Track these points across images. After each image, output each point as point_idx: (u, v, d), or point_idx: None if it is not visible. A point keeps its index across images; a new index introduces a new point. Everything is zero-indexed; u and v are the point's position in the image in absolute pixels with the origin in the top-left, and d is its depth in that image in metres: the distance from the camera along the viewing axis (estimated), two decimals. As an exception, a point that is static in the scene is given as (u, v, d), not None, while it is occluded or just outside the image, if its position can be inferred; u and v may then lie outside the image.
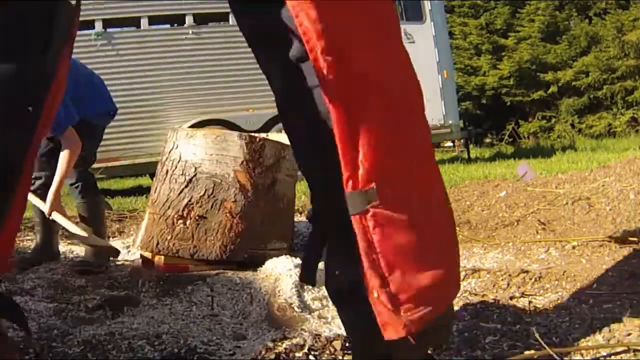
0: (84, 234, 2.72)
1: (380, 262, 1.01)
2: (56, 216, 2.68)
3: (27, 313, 1.87)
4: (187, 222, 2.50)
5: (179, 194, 2.54)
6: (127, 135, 7.15)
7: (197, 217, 2.50)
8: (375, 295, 1.01)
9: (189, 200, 2.52)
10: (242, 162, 2.54)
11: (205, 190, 2.52)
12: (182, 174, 2.56)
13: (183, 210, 2.51)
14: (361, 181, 1.00)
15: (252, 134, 2.78)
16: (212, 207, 2.51)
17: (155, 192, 2.64)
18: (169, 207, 2.54)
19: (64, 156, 2.64)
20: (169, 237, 2.50)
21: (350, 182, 1.00)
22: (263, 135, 3.04)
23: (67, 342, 1.60)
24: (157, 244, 2.51)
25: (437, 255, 1.10)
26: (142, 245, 2.58)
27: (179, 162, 2.59)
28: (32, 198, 2.77)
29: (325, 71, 0.98)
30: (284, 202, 2.69)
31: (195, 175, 2.54)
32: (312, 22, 0.96)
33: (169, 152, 2.64)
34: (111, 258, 2.79)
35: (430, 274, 1.06)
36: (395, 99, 1.07)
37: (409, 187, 1.06)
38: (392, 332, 1.02)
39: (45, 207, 2.69)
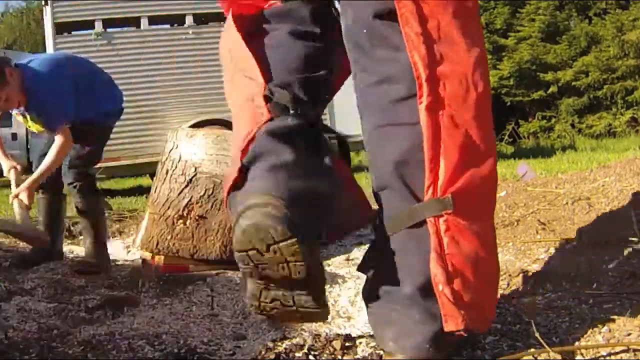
0: (12, 226, 2.63)
1: (447, 262, 1.16)
2: (15, 203, 2.57)
3: (27, 313, 1.88)
4: (187, 222, 2.50)
5: (179, 194, 2.54)
6: (127, 135, 7.14)
7: (197, 217, 2.50)
8: (440, 288, 1.15)
9: (189, 200, 2.52)
10: None
11: (206, 190, 2.52)
12: (182, 174, 2.56)
13: (183, 210, 2.51)
14: (440, 190, 1.17)
15: None
16: (212, 207, 2.51)
17: (155, 192, 2.64)
18: (169, 207, 2.54)
19: (52, 152, 2.60)
20: (169, 237, 2.50)
21: (430, 190, 1.18)
22: None
23: (67, 342, 1.60)
24: (157, 244, 2.51)
25: (493, 274, 1.28)
26: (142, 245, 2.58)
27: (179, 162, 2.59)
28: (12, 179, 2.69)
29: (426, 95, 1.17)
30: None
31: (195, 175, 2.54)
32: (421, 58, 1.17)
33: (169, 152, 2.64)
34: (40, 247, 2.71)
35: (486, 289, 1.22)
36: (479, 114, 1.24)
37: (481, 203, 1.25)
38: (452, 324, 1.16)
39: (14, 189, 2.61)
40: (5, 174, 2.79)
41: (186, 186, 2.54)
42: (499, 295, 1.84)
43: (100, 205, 2.97)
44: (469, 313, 1.17)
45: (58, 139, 2.62)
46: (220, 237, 2.49)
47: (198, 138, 2.59)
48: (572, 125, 13.38)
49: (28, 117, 2.74)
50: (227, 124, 7.32)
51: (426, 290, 1.19)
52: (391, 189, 1.25)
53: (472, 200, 1.20)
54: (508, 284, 1.92)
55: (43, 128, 2.75)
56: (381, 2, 1.21)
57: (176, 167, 2.59)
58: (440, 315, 1.17)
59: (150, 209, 2.61)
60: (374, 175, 1.33)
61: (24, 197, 2.55)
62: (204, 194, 2.52)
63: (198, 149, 2.58)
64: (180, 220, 2.51)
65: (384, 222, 1.27)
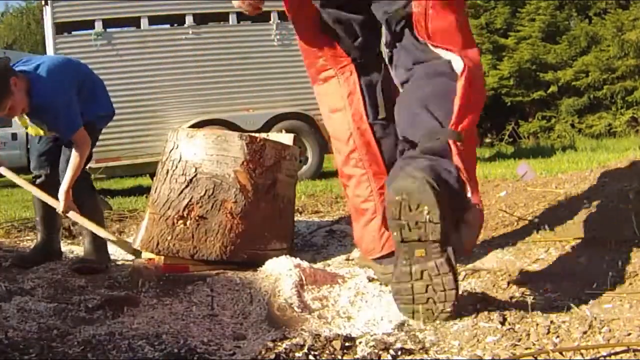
0: (104, 233, 2.79)
1: (462, 168, 1.68)
2: (72, 215, 2.74)
3: (27, 313, 1.88)
4: (188, 223, 2.50)
5: (180, 194, 2.54)
6: (127, 135, 7.15)
7: (197, 218, 2.50)
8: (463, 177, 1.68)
9: (190, 201, 2.52)
10: (243, 163, 2.54)
11: (206, 191, 2.52)
12: (182, 174, 2.56)
13: (183, 210, 2.51)
14: (460, 126, 1.74)
15: (253, 134, 2.78)
16: (212, 207, 2.51)
17: (155, 192, 2.64)
18: (169, 208, 2.54)
19: (75, 156, 2.68)
20: (169, 238, 2.50)
21: (453, 124, 1.74)
22: (263, 135, 3.04)
23: (67, 342, 1.60)
24: (157, 244, 2.51)
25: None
26: (142, 245, 2.57)
27: (179, 162, 2.59)
28: (42, 196, 2.79)
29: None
30: (284, 202, 2.69)
31: (195, 175, 2.54)
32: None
33: (170, 152, 2.64)
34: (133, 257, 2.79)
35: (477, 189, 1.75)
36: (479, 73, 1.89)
37: (474, 137, 1.84)
38: (475, 197, 1.70)
39: (58, 206, 2.72)
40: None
41: (186, 186, 2.54)
42: (499, 295, 1.84)
43: (96, 203, 2.98)
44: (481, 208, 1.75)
45: (77, 144, 2.67)
46: (220, 238, 2.48)
47: (198, 138, 2.59)
48: (572, 125, 13.37)
49: (28, 119, 2.75)
50: (226, 124, 7.34)
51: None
52: (417, 115, 1.80)
53: (471, 135, 1.80)
54: (508, 284, 1.92)
55: (56, 134, 2.78)
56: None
57: (176, 167, 2.59)
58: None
59: (151, 209, 2.61)
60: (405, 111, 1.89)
61: (71, 207, 2.73)
62: (204, 194, 2.52)
63: (198, 149, 2.58)
64: (181, 221, 2.51)
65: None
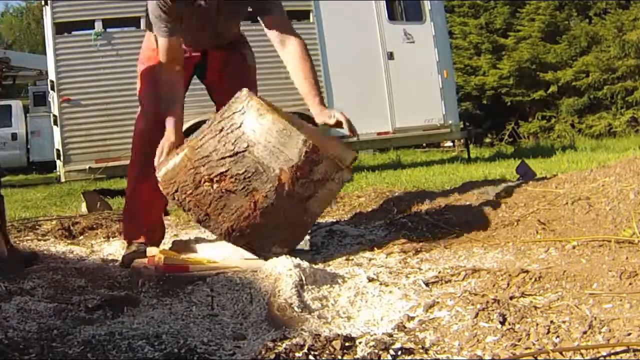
0: None
1: None
2: None
3: (27, 313, 1.87)
4: (213, 189, 2.41)
5: (221, 159, 2.43)
6: (127, 136, 7.10)
7: (224, 190, 2.40)
8: None
9: (226, 171, 2.41)
10: (293, 166, 2.41)
11: (245, 171, 2.41)
12: (233, 143, 2.43)
13: (216, 176, 2.42)
14: None
15: (316, 145, 2.49)
16: (242, 189, 2.41)
17: (201, 139, 2.51)
18: (204, 165, 2.44)
19: None
20: (189, 192, 2.43)
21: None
22: (333, 144, 2.82)
23: (67, 342, 1.60)
24: (176, 191, 2.45)
25: None
26: (162, 180, 2.50)
27: (237, 129, 2.44)
28: None
29: None
30: (310, 218, 2.61)
31: (244, 151, 2.42)
32: None
33: (234, 112, 2.49)
34: None
35: None
36: None
37: None
38: None
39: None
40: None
41: (230, 156, 2.42)
42: (499, 295, 1.84)
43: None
44: None
45: None
46: (233, 220, 2.42)
47: (266, 120, 2.43)
48: (572, 125, 13.39)
49: None
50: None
51: None
52: None
53: None
54: (508, 284, 1.92)
55: None
56: None
57: (231, 132, 2.45)
58: None
59: (189, 153, 2.49)
60: None
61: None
62: (242, 173, 2.41)
63: (260, 129, 2.42)
64: (208, 184, 2.41)
65: None
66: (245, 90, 2.52)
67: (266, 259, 2.39)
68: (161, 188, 2.54)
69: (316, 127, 2.89)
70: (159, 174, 2.54)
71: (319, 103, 2.67)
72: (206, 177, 2.44)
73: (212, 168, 2.44)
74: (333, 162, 2.50)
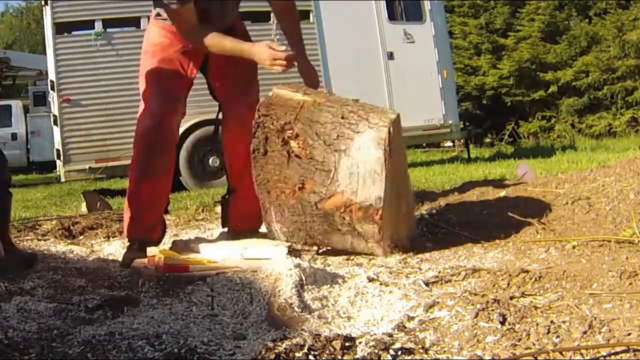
0: None
1: None
2: None
3: (27, 313, 1.87)
4: (287, 146, 2.40)
5: (316, 134, 2.39)
6: (127, 135, 7.12)
7: (291, 153, 2.39)
8: None
9: (311, 144, 2.38)
10: (347, 202, 2.37)
11: (322, 162, 2.37)
12: (339, 136, 2.38)
13: (301, 140, 2.39)
14: None
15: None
16: (303, 170, 2.39)
17: (327, 105, 2.47)
18: (305, 124, 2.41)
19: None
20: (269, 126, 2.43)
21: None
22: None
23: (67, 342, 1.60)
24: (261, 116, 2.45)
25: None
26: (266, 98, 2.50)
27: (354, 132, 2.37)
28: None
29: None
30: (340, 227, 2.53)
31: (337, 150, 2.37)
32: None
33: (366, 119, 2.40)
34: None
35: None
36: None
37: None
38: None
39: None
40: None
41: (325, 142, 2.38)
42: (499, 295, 1.84)
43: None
44: None
45: None
46: (268, 186, 2.43)
47: (376, 152, 2.33)
48: (572, 125, 13.38)
49: None
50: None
51: None
52: None
53: None
54: (508, 284, 1.92)
55: None
56: None
57: (348, 128, 2.40)
58: None
59: (311, 103, 2.45)
60: None
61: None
62: (318, 159, 2.38)
63: (365, 154, 2.36)
64: (281, 144, 2.40)
65: None
66: (396, 114, 2.45)
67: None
68: (259, 104, 2.52)
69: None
70: (275, 89, 2.53)
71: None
72: (293, 134, 2.39)
73: (305, 133, 2.39)
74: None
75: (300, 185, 2.41)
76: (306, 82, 2.85)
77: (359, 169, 2.35)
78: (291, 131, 2.41)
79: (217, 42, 2.66)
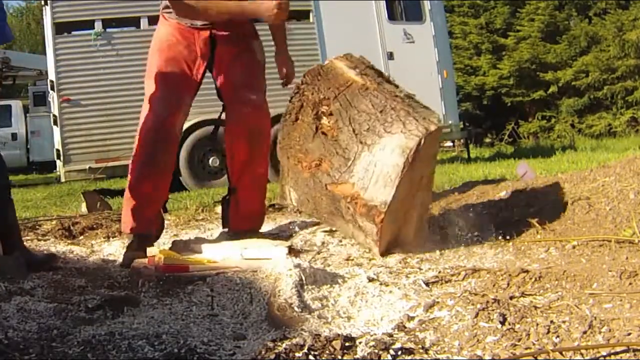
0: None
1: None
2: None
3: (27, 313, 1.88)
4: (317, 122, 2.40)
5: (349, 121, 2.38)
6: (127, 135, 7.13)
7: (319, 129, 2.39)
8: None
9: (339, 128, 2.36)
10: (356, 193, 2.36)
11: (345, 149, 2.35)
12: (369, 129, 2.35)
13: (333, 121, 2.38)
14: None
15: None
16: (324, 149, 2.40)
17: (374, 90, 2.43)
18: (342, 106, 2.38)
19: None
20: (305, 92, 2.47)
21: None
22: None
23: (67, 342, 1.60)
24: (303, 81, 2.49)
25: None
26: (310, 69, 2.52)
27: (383, 130, 2.34)
28: None
29: None
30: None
31: (363, 143, 2.34)
32: None
33: (398, 123, 2.35)
34: None
35: None
36: None
37: None
38: None
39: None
40: None
41: (354, 131, 2.36)
42: (499, 295, 1.84)
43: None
44: None
45: None
46: (288, 154, 2.48)
47: (398, 158, 2.28)
48: (572, 125, 13.38)
49: None
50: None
51: None
52: None
53: None
54: (508, 284, 1.92)
55: None
56: None
57: (380, 126, 2.36)
58: None
59: (358, 84, 2.43)
60: None
61: None
62: (341, 144, 2.38)
63: (389, 156, 2.33)
64: (315, 118, 2.40)
65: None
66: (437, 126, 2.39)
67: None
68: (307, 71, 2.54)
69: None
70: (332, 59, 2.53)
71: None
72: (328, 111, 2.38)
73: (339, 114, 2.36)
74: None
75: (318, 163, 2.40)
76: (280, 73, 3.00)
77: (375, 168, 2.33)
78: (327, 107, 2.39)
79: (220, 4, 2.72)
